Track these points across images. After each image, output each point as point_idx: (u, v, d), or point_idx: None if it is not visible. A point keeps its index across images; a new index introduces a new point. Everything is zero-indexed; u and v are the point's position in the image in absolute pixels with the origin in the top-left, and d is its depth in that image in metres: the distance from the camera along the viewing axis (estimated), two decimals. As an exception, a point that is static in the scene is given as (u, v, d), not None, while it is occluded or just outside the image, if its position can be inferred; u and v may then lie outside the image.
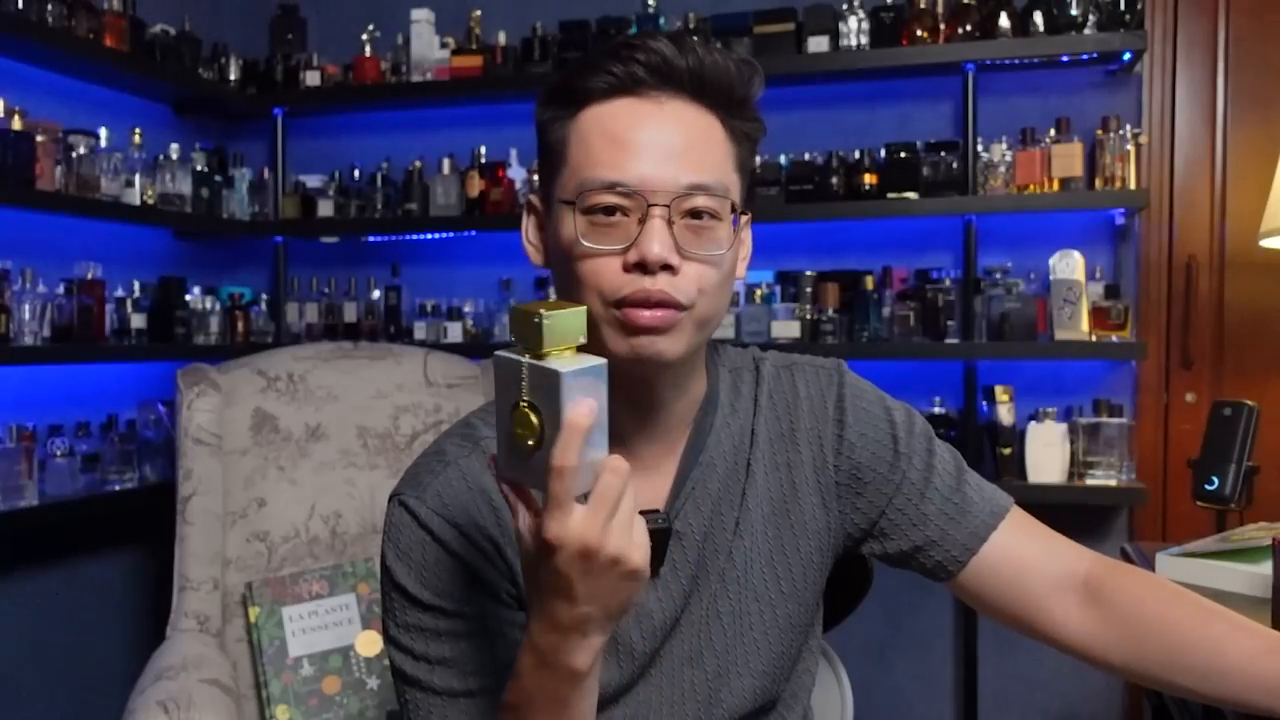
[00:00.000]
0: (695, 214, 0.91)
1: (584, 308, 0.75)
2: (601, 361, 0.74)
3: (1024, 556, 1.03)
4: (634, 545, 0.77)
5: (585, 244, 0.91)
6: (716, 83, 0.93)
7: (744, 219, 0.98)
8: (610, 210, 0.91)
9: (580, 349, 0.75)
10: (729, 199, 0.94)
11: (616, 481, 0.76)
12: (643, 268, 0.89)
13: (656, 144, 0.91)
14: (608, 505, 0.76)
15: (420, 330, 2.74)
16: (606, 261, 0.91)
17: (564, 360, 0.73)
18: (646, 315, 0.90)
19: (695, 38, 0.95)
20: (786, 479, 1.04)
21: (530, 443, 0.73)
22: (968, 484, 1.06)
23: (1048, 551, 1.03)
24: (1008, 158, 2.41)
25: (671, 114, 0.92)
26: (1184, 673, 0.94)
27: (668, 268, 0.90)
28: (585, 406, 0.73)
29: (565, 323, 0.73)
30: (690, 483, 1.01)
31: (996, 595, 1.04)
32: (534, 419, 0.72)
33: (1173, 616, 0.96)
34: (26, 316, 2.17)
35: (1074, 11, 2.31)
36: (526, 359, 0.73)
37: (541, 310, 0.72)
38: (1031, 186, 2.37)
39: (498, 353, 0.75)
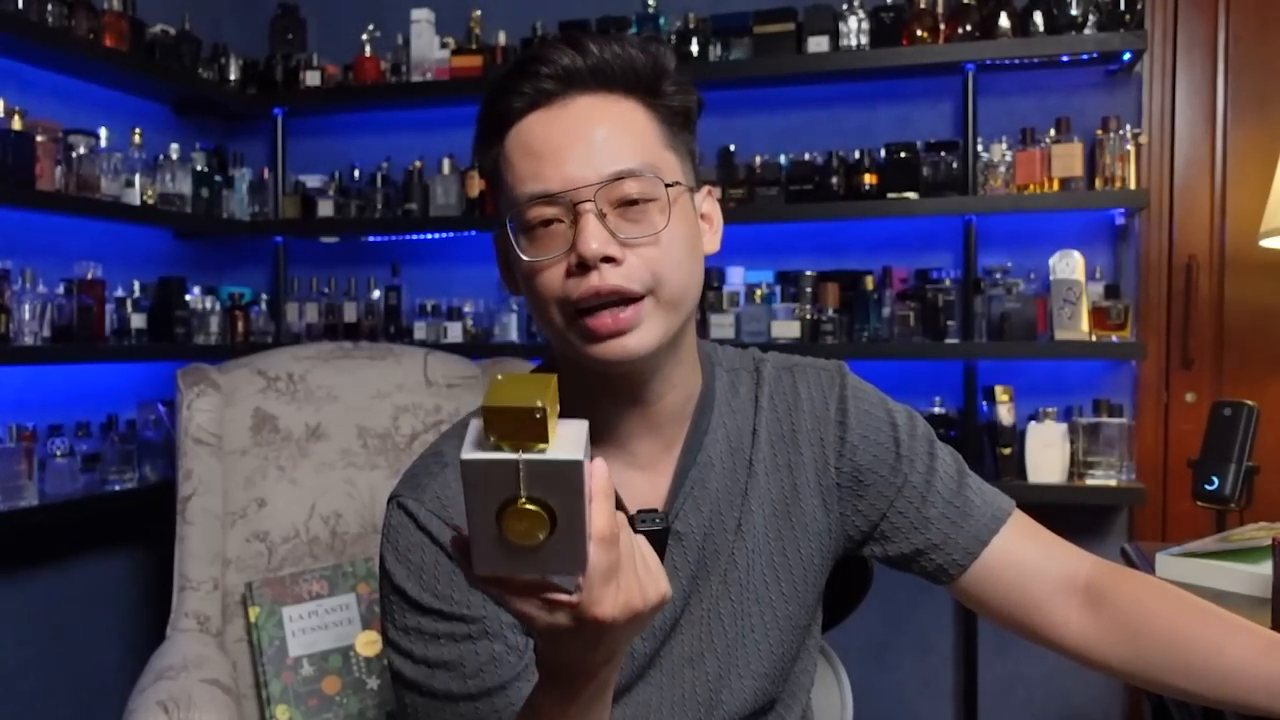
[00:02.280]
0: (628, 201, 0.91)
1: (553, 377, 0.66)
2: (585, 423, 0.68)
3: (1025, 560, 1.03)
4: (662, 578, 0.74)
5: (528, 259, 0.92)
6: (622, 69, 0.93)
7: (703, 191, 0.99)
8: (546, 222, 0.91)
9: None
10: (659, 178, 0.93)
11: (622, 533, 0.71)
12: (584, 266, 0.89)
13: (572, 144, 0.91)
14: (631, 557, 0.71)
15: (420, 330, 2.74)
16: (552, 272, 0.91)
17: (562, 443, 0.65)
18: (608, 321, 0.90)
19: (597, 34, 0.97)
20: (788, 480, 1.04)
21: (541, 538, 0.65)
22: (969, 487, 1.06)
23: (1049, 555, 1.03)
24: (1008, 158, 2.41)
25: (580, 111, 0.92)
26: (1184, 674, 0.94)
27: (609, 260, 0.89)
28: (598, 469, 0.69)
29: (554, 402, 0.65)
30: (689, 482, 1.01)
31: (997, 599, 1.04)
32: (543, 513, 0.65)
33: (1172, 618, 0.96)
34: (26, 316, 2.17)
35: (1074, 11, 2.31)
36: (522, 456, 0.64)
37: (537, 403, 0.63)
38: (1031, 186, 2.37)
39: (473, 457, 0.64)
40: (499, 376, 0.65)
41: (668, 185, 0.93)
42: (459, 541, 0.69)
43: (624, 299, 0.90)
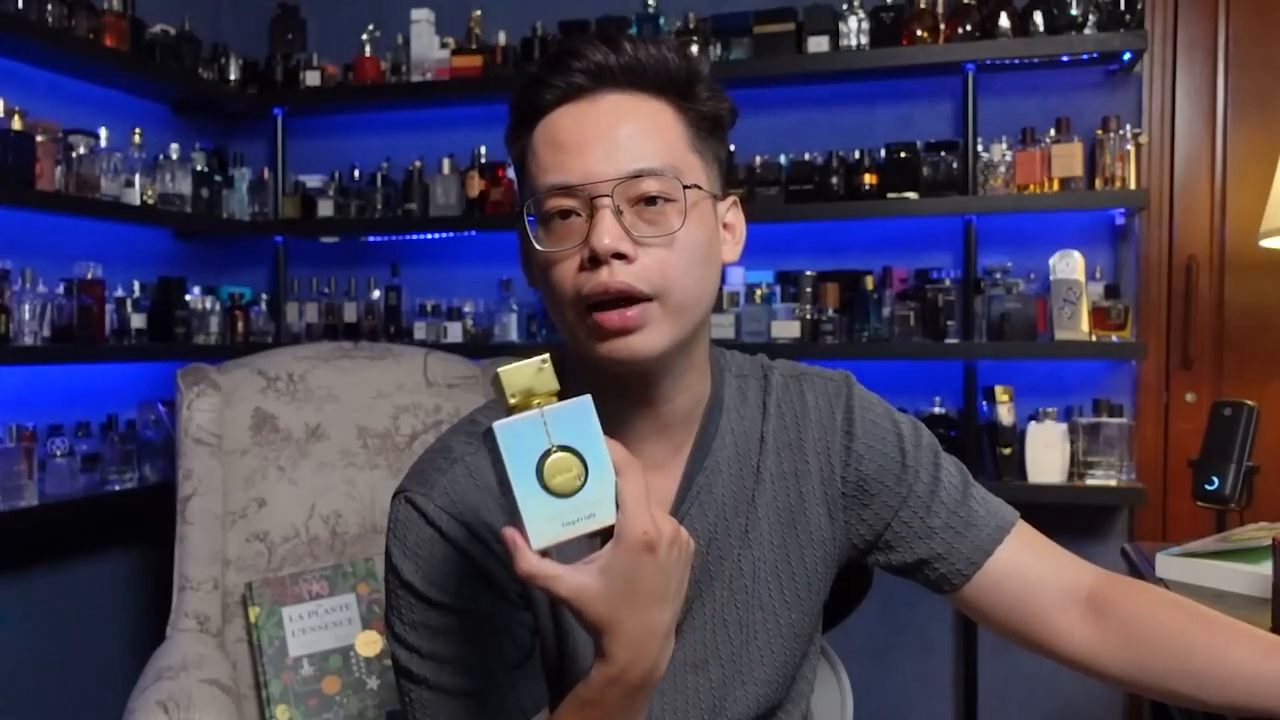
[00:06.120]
0: (647, 200, 0.91)
1: (548, 354, 0.77)
2: (588, 396, 0.77)
3: (1028, 571, 1.03)
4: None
5: (543, 250, 0.92)
6: (654, 69, 0.94)
7: (728, 200, 1.00)
8: (564, 214, 0.91)
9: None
10: (679, 180, 0.92)
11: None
12: (596, 261, 0.89)
13: (597, 139, 0.91)
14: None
15: (420, 330, 2.74)
16: (567, 264, 0.91)
17: (569, 399, 0.76)
18: (615, 317, 0.90)
19: (632, 34, 0.97)
20: (794, 489, 1.04)
21: (580, 481, 0.74)
22: (973, 498, 1.06)
23: (1051, 566, 1.03)
24: (1008, 158, 2.41)
25: (609, 107, 0.93)
26: (1187, 681, 0.95)
27: (621, 256, 0.89)
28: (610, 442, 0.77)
29: (552, 369, 0.76)
30: (696, 486, 1.01)
31: (1000, 609, 1.04)
32: (574, 457, 0.74)
33: (1174, 625, 0.96)
34: (26, 316, 2.17)
35: (1074, 11, 2.31)
36: (542, 409, 0.74)
37: (539, 357, 0.76)
38: (1031, 186, 2.37)
39: (499, 424, 0.74)
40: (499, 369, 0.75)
41: (686, 187, 0.92)
42: (510, 534, 0.75)
43: (632, 298, 0.90)
